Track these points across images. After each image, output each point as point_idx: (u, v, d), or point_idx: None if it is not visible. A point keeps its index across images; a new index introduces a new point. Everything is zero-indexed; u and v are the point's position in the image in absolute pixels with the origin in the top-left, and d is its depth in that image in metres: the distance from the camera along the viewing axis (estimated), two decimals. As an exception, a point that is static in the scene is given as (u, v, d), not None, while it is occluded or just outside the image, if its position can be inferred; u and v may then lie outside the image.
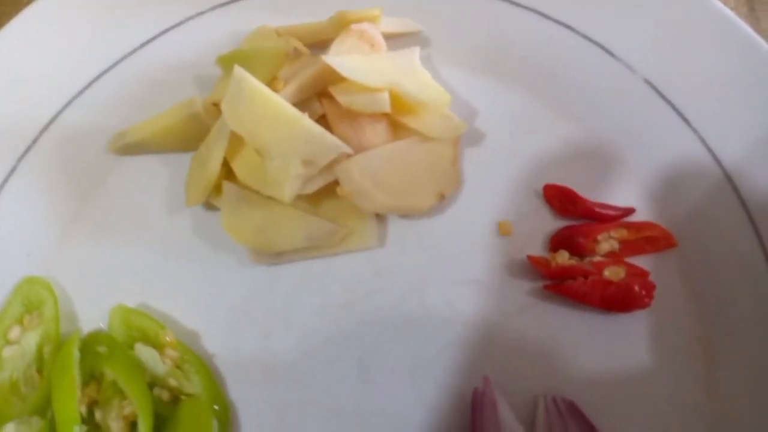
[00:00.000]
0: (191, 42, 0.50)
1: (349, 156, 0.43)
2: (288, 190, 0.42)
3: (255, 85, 0.42)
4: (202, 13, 0.50)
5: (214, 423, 0.42)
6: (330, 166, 0.43)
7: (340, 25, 0.47)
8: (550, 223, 0.47)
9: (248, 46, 0.49)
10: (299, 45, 0.47)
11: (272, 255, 0.46)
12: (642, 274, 0.45)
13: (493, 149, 0.49)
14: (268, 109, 0.42)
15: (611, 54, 0.47)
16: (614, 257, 0.45)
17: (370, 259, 0.47)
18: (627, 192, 0.48)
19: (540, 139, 0.49)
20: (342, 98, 0.44)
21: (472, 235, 0.47)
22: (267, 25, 0.49)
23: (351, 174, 0.43)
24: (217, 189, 0.46)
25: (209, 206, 0.47)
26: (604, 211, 0.46)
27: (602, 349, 0.45)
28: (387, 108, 0.44)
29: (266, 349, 0.45)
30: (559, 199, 0.47)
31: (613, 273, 0.44)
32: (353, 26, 0.46)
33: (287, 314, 0.46)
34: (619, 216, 0.47)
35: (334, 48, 0.45)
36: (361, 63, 0.44)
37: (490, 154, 0.49)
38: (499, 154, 0.49)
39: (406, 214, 0.47)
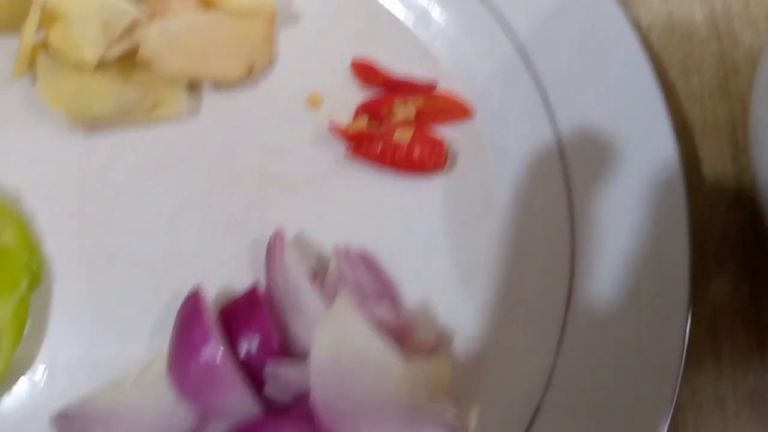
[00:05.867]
0: None
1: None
2: (89, 51, 0.45)
3: (56, -51, 0.44)
4: None
5: (25, 275, 0.45)
6: (131, 32, 0.46)
7: None
8: (358, 96, 0.50)
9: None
10: None
11: (88, 123, 0.48)
12: (435, 142, 0.48)
13: (308, 29, 0.51)
14: (67, -27, 0.44)
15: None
16: (409, 125, 0.48)
17: (183, 129, 0.49)
18: (431, 68, 0.50)
19: (353, 19, 0.51)
20: (144, -33, 0.46)
21: (283, 107, 0.49)
22: None
23: (148, 37, 0.45)
24: (40, 61, 0.48)
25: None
26: (404, 82, 0.49)
27: (402, 211, 0.48)
28: (187, -22, 0.46)
29: (82, 209, 0.48)
30: (363, 72, 0.49)
31: (401, 134, 0.46)
32: None
33: (102, 178, 0.48)
34: (419, 88, 0.49)
35: None
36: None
37: (306, 34, 0.51)
38: (314, 33, 0.51)
39: (216, 84, 0.49)
